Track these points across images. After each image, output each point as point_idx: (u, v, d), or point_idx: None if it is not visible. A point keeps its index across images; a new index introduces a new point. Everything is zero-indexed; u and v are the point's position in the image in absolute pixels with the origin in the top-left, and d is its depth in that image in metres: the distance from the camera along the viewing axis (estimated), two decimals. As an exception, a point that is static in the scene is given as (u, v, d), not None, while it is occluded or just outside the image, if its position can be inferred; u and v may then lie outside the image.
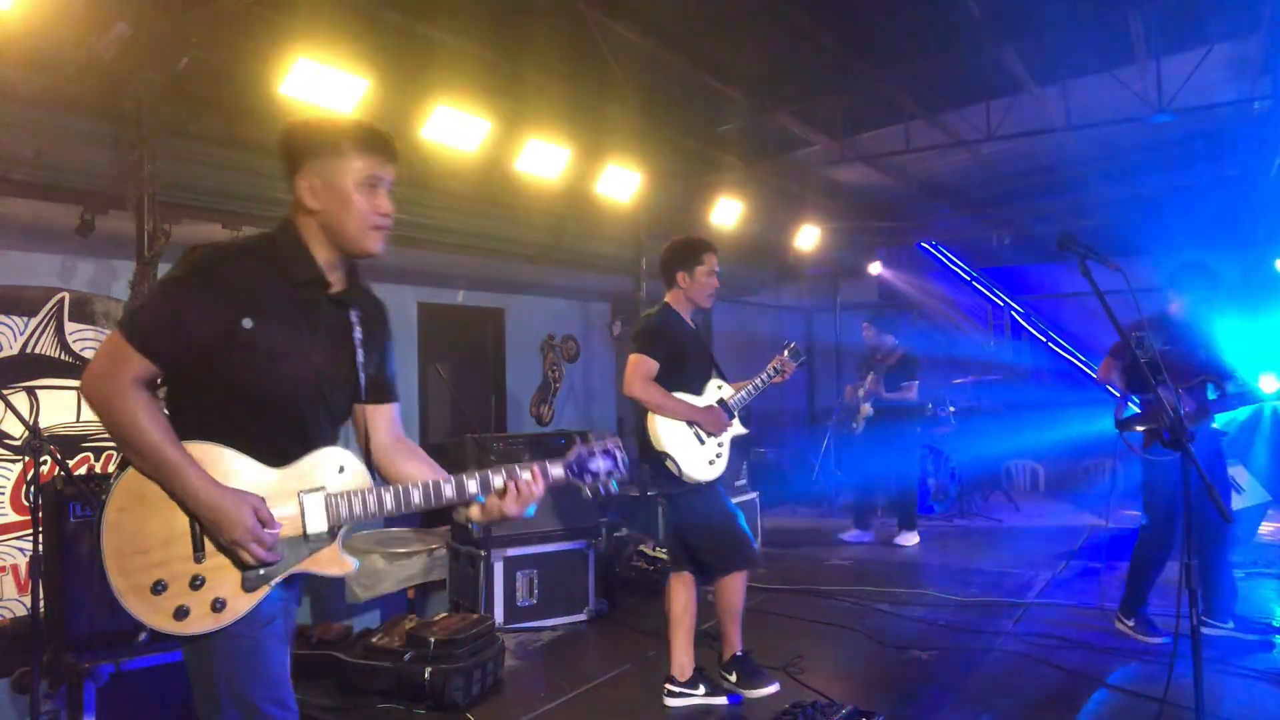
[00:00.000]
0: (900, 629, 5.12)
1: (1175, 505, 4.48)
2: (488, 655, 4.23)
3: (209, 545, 1.89)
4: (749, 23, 5.97)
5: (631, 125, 6.81)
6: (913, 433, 7.96)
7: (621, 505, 7.99)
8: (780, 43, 6.30)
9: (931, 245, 12.14)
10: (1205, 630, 4.58)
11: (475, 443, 5.50)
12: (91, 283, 5.36)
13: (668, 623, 4.02)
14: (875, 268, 11.41)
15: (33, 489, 3.06)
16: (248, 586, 1.91)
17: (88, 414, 5.30)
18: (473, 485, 2.05)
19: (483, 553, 5.23)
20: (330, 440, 2.07)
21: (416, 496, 2.03)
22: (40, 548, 3.05)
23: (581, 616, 5.38)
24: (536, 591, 5.32)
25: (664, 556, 6.32)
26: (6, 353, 4.98)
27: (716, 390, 4.18)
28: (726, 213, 8.22)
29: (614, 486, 2.11)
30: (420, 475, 2.11)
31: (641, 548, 6.49)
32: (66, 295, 5.23)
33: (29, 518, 3.18)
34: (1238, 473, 7.02)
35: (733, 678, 4.10)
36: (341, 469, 2.02)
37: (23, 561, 4.95)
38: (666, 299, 4.13)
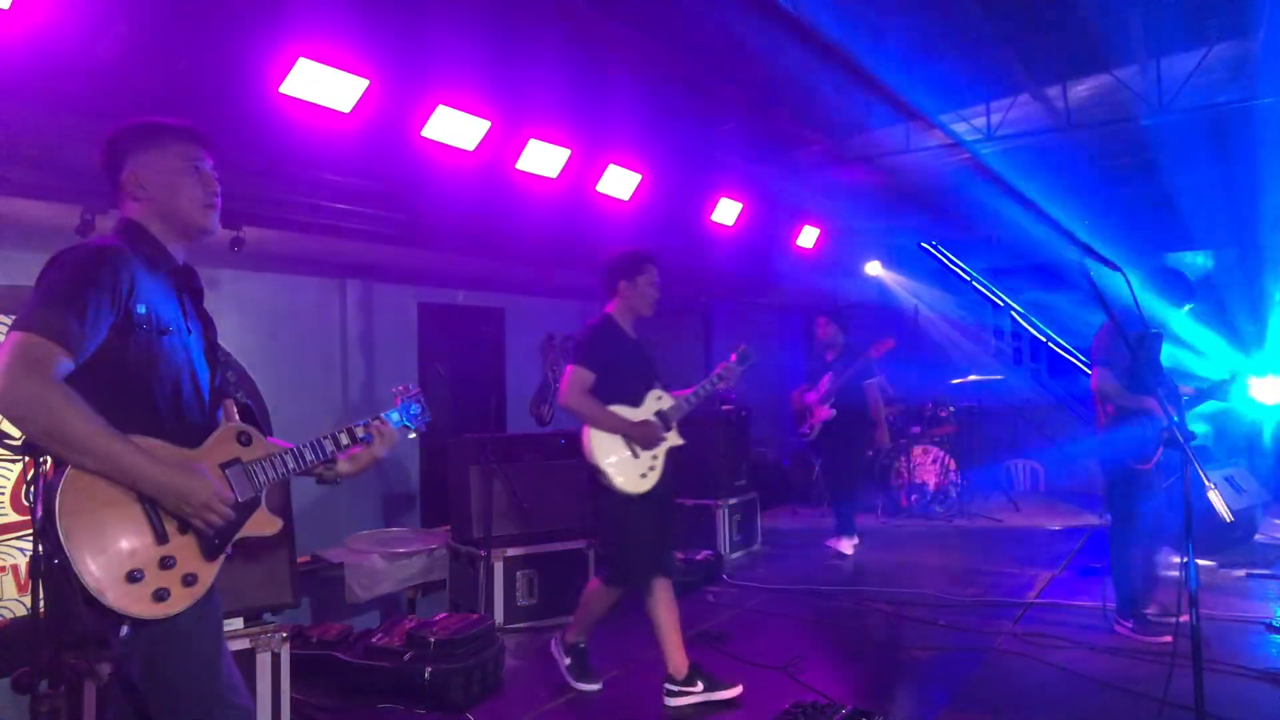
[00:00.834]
0: (900, 629, 5.12)
1: (1142, 504, 4.70)
2: (488, 655, 4.23)
3: (168, 525, 1.96)
4: (749, 22, 5.97)
5: (631, 125, 6.81)
6: (860, 435, 7.81)
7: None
8: (780, 42, 6.29)
9: (932, 245, 12.13)
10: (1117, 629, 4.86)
11: (475, 443, 5.50)
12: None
13: (654, 627, 4.05)
14: (873, 268, 11.40)
15: (33, 489, 3.05)
16: (209, 555, 2.04)
17: (88, 414, 5.31)
18: (344, 438, 2.38)
19: (483, 553, 5.23)
20: (216, 415, 2.23)
21: (309, 454, 2.30)
22: (40, 548, 3.05)
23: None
24: (536, 591, 5.32)
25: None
26: (6, 353, 4.99)
27: (656, 401, 4.20)
28: (726, 213, 8.22)
29: (423, 428, 2.61)
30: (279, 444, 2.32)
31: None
32: (66, 295, 5.23)
33: (29, 518, 3.18)
34: (1238, 473, 7.04)
35: (567, 661, 4.29)
36: (246, 439, 2.20)
37: (23, 561, 4.95)
38: (608, 309, 4.22)
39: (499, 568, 5.25)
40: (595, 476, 4.03)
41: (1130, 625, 4.80)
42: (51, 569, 1.89)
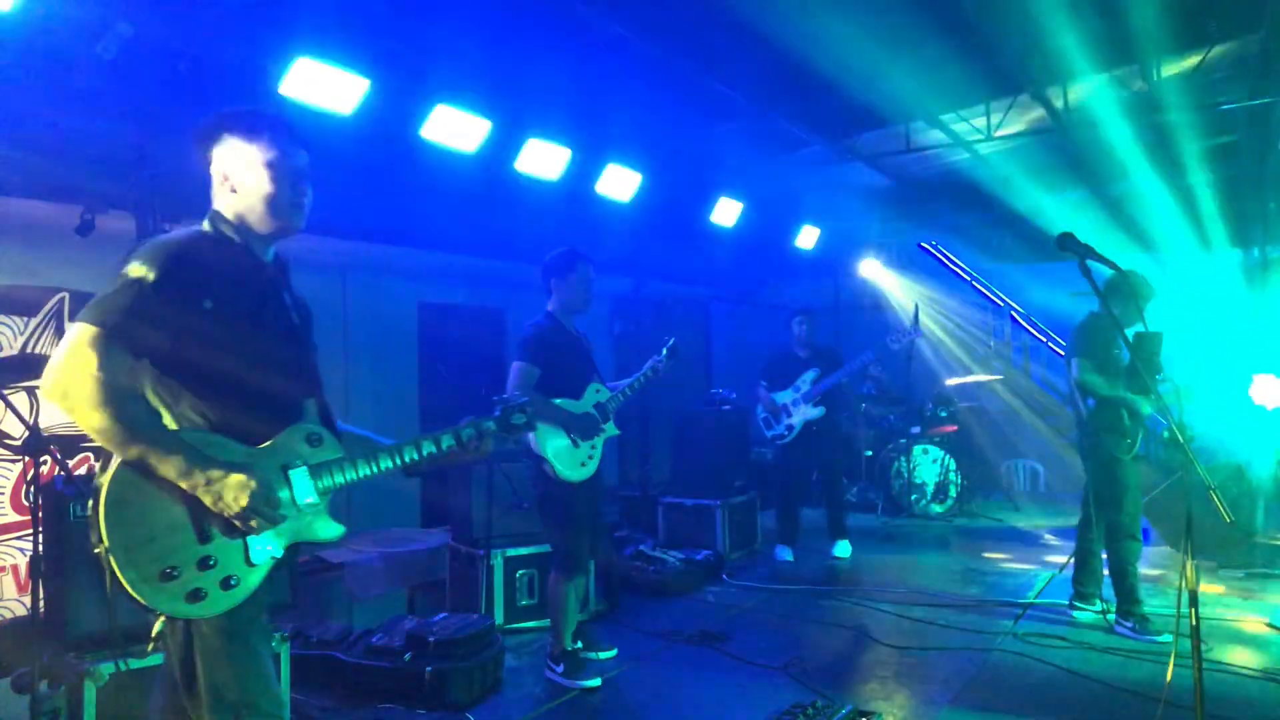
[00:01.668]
0: (900, 629, 5.12)
1: (1129, 496, 4.86)
2: (488, 655, 4.23)
3: (213, 525, 1.92)
4: (749, 22, 5.97)
5: (631, 125, 6.81)
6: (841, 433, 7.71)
7: (622, 505, 8.00)
8: (780, 42, 6.29)
9: (932, 245, 12.14)
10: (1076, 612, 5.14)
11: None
12: (91, 283, 5.35)
13: (552, 606, 4.41)
14: (869, 268, 11.40)
15: (33, 489, 3.05)
16: (255, 559, 1.97)
17: (88, 414, 5.32)
18: (428, 446, 2.30)
19: (482, 553, 5.23)
20: (297, 415, 2.15)
21: (385, 461, 2.22)
22: (40, 548, 3.05)
23: (581, 616, 5.37)
24: (536, 591, 5.32)
25: (664, 556, 6.34)
26: (6, 353, 4.98)
27: (595, 394, 4.47)
28: (726, 213, 8.22)
29: (527, 433, 2.74)
30: (367, 443, 2.29)
31: (641, 548, 6.50)
32: (66, 295, 5.23)
33: (29, 518, 3.18)
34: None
35: (559, 669, 4.34)
36: (316, 440, 2.13)
37: (23, 561, 4.95)
38: (548, 306, 4.49)
39: (499, 568, 5.25)
40: (539, 466, 4.27)
41: (1130, 625, 4.80)
42: (96, 558, 1.88)
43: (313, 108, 4.66)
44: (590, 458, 4.35)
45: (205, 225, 2.13)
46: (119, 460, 1.86)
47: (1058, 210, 10.51)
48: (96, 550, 1.85)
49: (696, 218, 8.17)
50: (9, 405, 3.12)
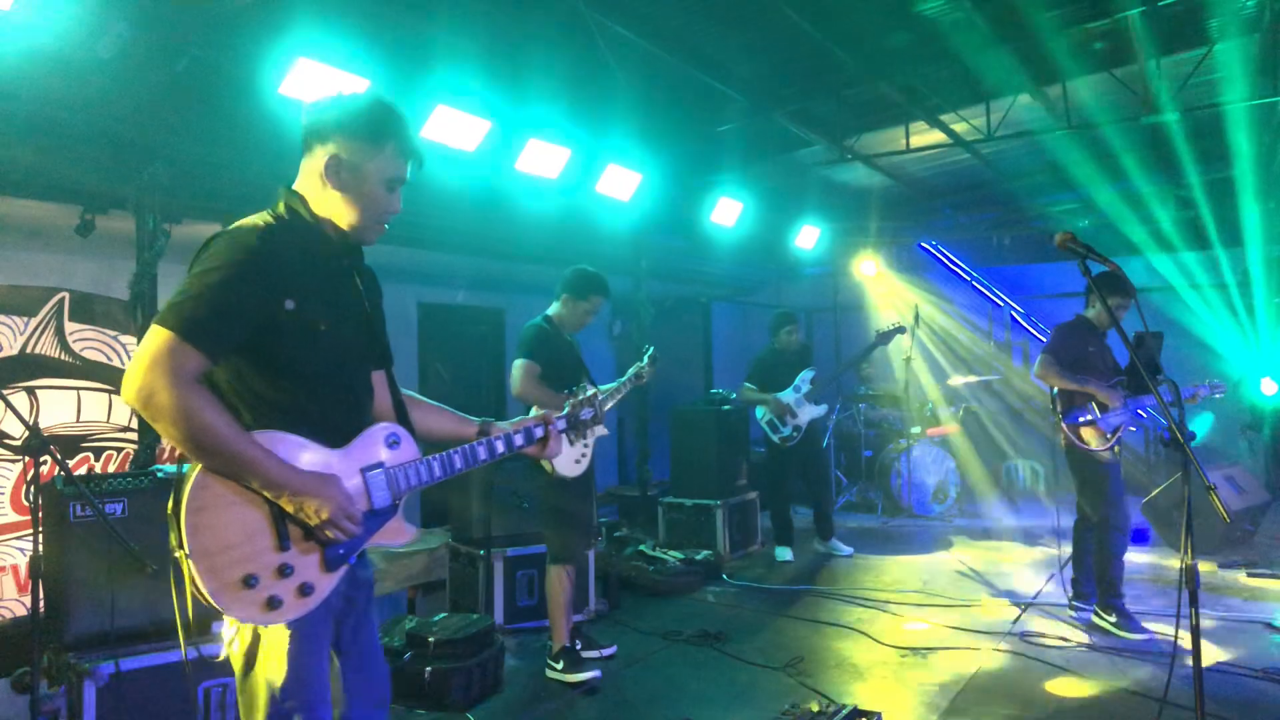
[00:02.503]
0: (900, 629, 5.13)
1: (1110, 490, 4.93)
2: (488, 655, 4.23)
3: (292, 532, 1.90)
4: (749, 22, 5.97)
5: (631, 125, 6.81)
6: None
7: (621, 505, 8.00)
8: (780, 43, 6.29)
9: (931, 245, 12.14)
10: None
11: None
12: (91, 283, 5.36)
13: (549, 600, 4.50)
14: (866, 268, 11.40)
15: (33, 489, 3.05)
16: (330, 566, 1.95)
17: (88, 414, 5.31)
18: (500, 445, 2.31)
19: (482, 553, 5.23)
20: (369, 411, 2.14)
21: (459, 461, 2.21)
22: (40, 548, 3.05)
23: (581, 616, 5.37)
24: (536, 591, 5.32)
25: (664, 556, 6.34)
26: (6, 353, 4.98)
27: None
28: (726, 213, 8.22)
29: (601, 430, 2.68)
30: (443, 427, 2.35)
31: (641, 548, 6.50)
32: (66, 295, 5.23)
33: (29, 518, 3.18)
34: (1236, 472, 7.04)
35: (559, 665, 4.39)
36: (395, 441, 2.10)
37: (23, 561, 4.95)
38: (549, 311, 4.65)
39: (499, 568, 5.25)
40: (536, 463, 4.33)
41: (1113, 620, 4.82)
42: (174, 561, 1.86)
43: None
44: (584, 455, 4.47)
45: (280, 208, 2.04)
46: (200, 469, 1.83)
47: (1058, 210, 10.52)
48: (176, 554, 1.83)
49: (696, 218, 8.16)
50: (9, 405, 3.11)
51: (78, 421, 5.24)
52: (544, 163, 6.15)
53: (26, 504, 4.76)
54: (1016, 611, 5.29)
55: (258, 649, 1.93)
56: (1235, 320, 9.85)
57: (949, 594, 5.84)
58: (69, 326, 5.22)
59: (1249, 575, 6.02)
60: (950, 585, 6.11)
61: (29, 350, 5.07)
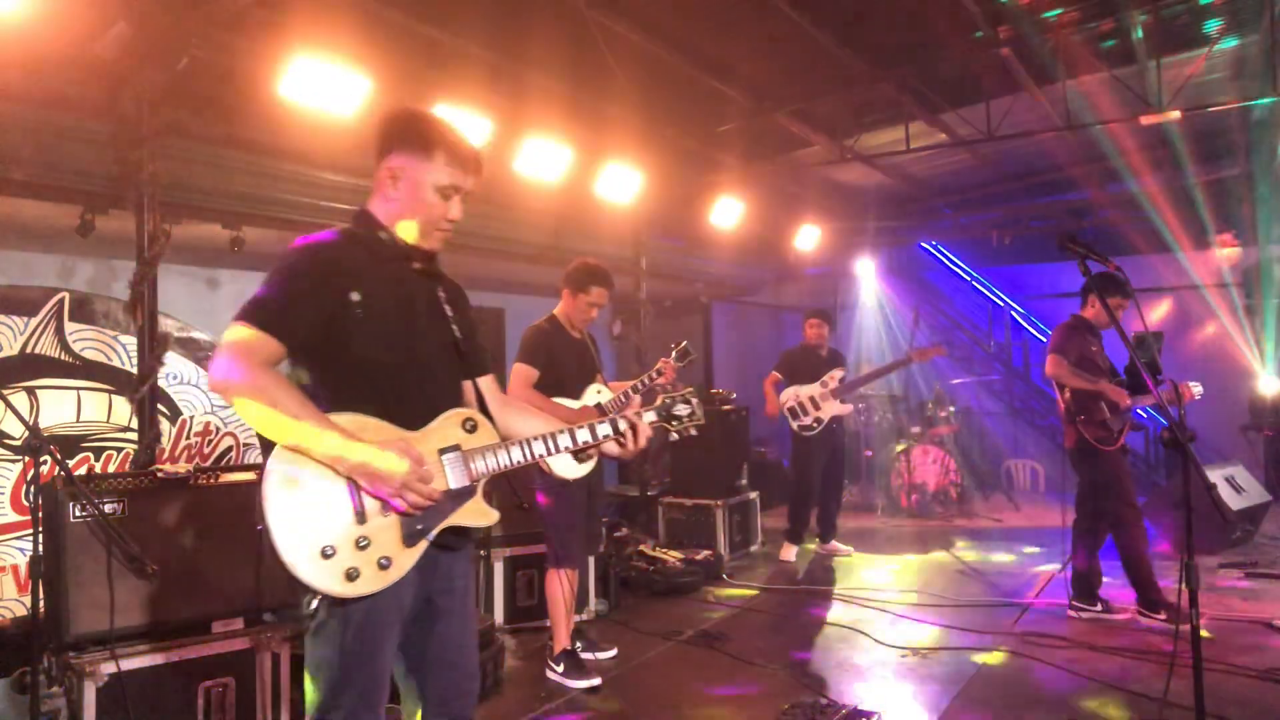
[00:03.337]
0: (900, 629, 5.13)
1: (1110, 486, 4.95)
2: (487, 655, 4.23)
3: (368, 506, 1.97)
4: (749, 23, 5.97)
5: (631, 125, 6.81)
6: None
7: (621, 505, 8.00)
8: (780, 42, 6.30)
9: (931, 245, 12.14)
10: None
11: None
12: (91, 283, 5.36)
13: (549, 602, 4.49)
14: (865, 267, 11.41)
15: (33, 489, 3.06)
16: (409, 541, 2.00)
17: (88, 414, 5.31)
18: (583, 434, 2.25)
19: (483, 553, 5.23)
20: (454, 402, 2.20)
21: (539, 447, 2.21)
22: (40, 548, 3.05)
23: (582, 616, 5.37)
24: (536, 591, 5.32)
25: (664, 556, 6.34)
26: (6, 353, 4.98)
27: (596, 394, 4.55)
28: (726, 213, 8.21)
29: (693, 430, 2.39)
30: (536, 431, 2.28)
31: (641, 548, 6.50)
32: (66, 295, 5.23)
33: (29, 518, 3.18)
34: (1236, 472, 7.04)
35: (560, 668, 4.37)
36: (472, 427, 2.16)
37: (23, 561, 4.95)
38: (555, 310, 4.57)
39: (499, 568, 5.25)
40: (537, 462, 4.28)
41: (1163, 617, 4.86)
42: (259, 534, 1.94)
43: (312, 109, 4.66)
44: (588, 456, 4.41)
45: (351, 224, 2.21)
46: (279, 445, 1.95)
47: (1058, 210, 10.51)
48: (260, 528, 1.93)
49: (696, 218, 8.16)
50: (9, 405, 3.11)
51: (78, 421, 5.24)
52: (544, 163, 6.15)
53: (26, 504, 4.76)
54: (1016, 611, 5.29)
55: (324, 629, 1.99)
56: (1236, 319, 9.85)
57: (949, 594, 5.84)
58: (69, 326, 5.22)
59: (1249, 575, 6.02)
60: (950, 585, 6.11)
61: (29, 350, 5.07)
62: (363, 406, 2.02)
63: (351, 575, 1.93)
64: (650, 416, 2.34)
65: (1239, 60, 7.35)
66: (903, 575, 6.47)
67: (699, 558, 6.46)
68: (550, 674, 4.41)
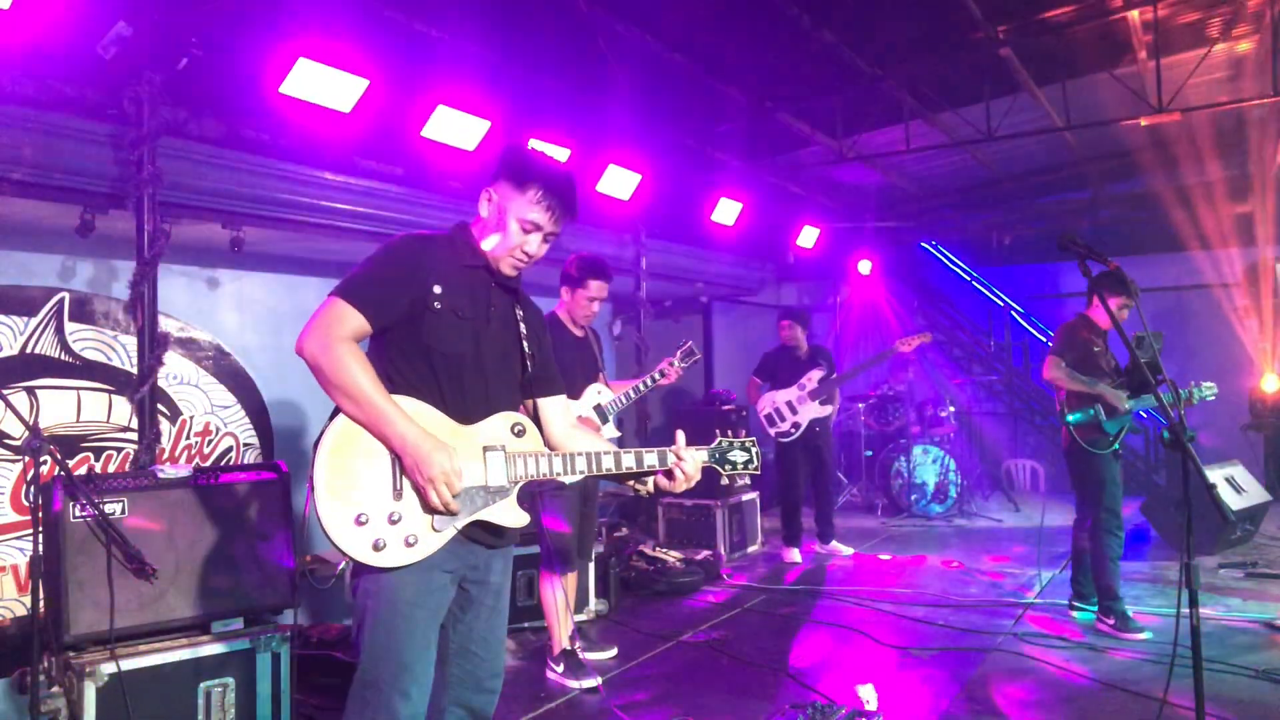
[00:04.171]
0: (900, 629, 5.12)
1: (1109, 490, 4.90)
2: (488, 655, 4.23)
3: (406, 485, 2.11)
4: (749, 22, 5.98)
5: (631, 125, 6.81)
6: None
7: (621, 505, 8.00)
8: (780, 42, 6.30)
9: (931, 245, 12.13)
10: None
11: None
12: (91, 283, 5.36)
13: (544, 605, 4.50)
14: (864, 267, 11.39)
15: (33, 489, 3.05)
16: (438, 526, 2.13)
17: (88, 414, 5.31)
18: (628, 459, 2.30)
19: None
20: (510, 407, 2.33)
21: (581, 463, 2.29)
22: (40, 548, 3.05)
23: (581, 617, 5.37)
24: (536, 591, 5.31)
25: (664, 556, 6.34)
26: (6, 353, 4.98)
27: (595, 395, 4.53)
28: (726, 213, 8.21)
29: (747, 479, 2.32)
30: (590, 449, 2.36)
31: (641, 548, 6.50)
32: (66, 295, 5.23)
33: (29, 518, 3.18)
34: (1236, 472, 7.04)
35: (560, 669, 4.37)
36: (520, 431, 2.28)
37: (23, 561, 4.95)
38: (555, 309, 4.52)
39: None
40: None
41: (1112, 622, 4.83)
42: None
43: (312, 109, 4.66)
44: None
45: (450, 232, 2.38)
46: (342, 415, 2.10)
47: (1058, 210, 10.51)
48: (308, 485, 2.07)
49: (696, 218, 8.16)
50: (9, 405, 3.11)
51: (78, 421, 5.23)
52: (544, 162, 6.14)
53: (26, 504, 4.76)
54: (1016, 611, 5.29)
55: (359, 597, 2.16)
56: (1237, 319, 9.85)
57: (949, 594, 5.84)
58: (69, 326, 5.22)
59: (1249, 575, 6.02)
60: (950, 585, 6.11)
61: (29, 350, 5.07)
62: (422, 393, 2.18)
63: (378, 546, 2.06)
64: (702, 457, 2.33)
65: (1239, 60, 7.35)
66: (903, 575, 6.46)
67: (699, 558, 6.46)
68: (550, 674, 4.40)
